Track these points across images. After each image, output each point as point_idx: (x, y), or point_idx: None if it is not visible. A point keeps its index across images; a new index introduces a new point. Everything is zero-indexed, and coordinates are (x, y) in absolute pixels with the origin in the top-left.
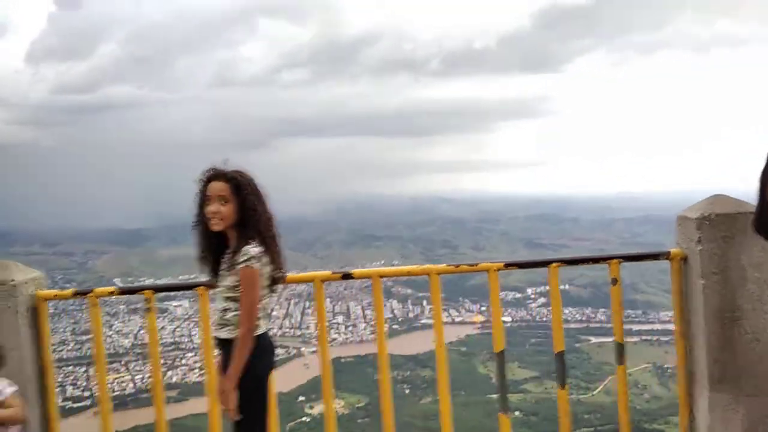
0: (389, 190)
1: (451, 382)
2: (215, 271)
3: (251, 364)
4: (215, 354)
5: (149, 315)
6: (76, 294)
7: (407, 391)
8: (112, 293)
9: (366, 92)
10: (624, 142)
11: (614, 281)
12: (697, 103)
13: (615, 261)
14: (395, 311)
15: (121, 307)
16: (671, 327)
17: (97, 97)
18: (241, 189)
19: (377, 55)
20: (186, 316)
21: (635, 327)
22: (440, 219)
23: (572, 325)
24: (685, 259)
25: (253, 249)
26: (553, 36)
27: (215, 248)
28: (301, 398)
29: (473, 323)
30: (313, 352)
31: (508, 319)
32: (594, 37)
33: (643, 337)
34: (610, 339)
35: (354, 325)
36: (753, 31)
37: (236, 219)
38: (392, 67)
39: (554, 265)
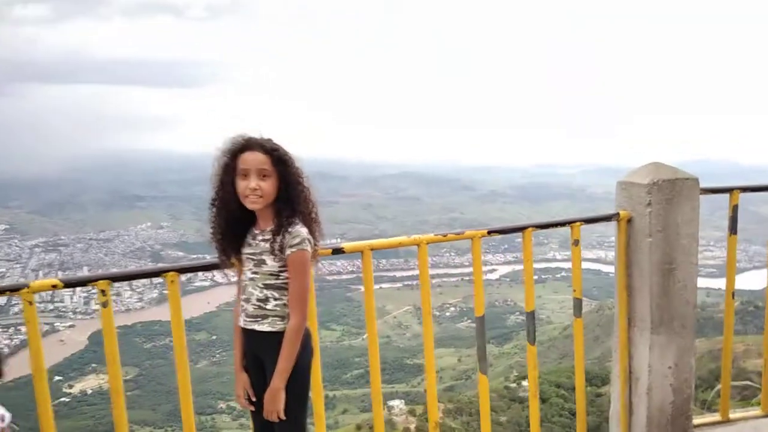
0: (151, 146)
1: (222, 342)
2: (228, 255)
3: (298, 357)
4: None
5: (105, 309)
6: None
7: (187, 369)
8: (55, 287)
9: (118, 35)
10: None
11: (576, 242)
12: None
13: (577, 224)
14: None
15: None
16: (429, 271)
17: None
18: (285, 162)
19: None
20: None
21: (398, 273)
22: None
23: (345, 276)
24: (629, 220)
25: (303, 230)
26: None
27: (237, 229)
28: (57, 378)
29: None
30: (71, 326)
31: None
32: None
33: (405, 283)
34: (377, 286)
35: (118, 294)
36: None
37: (275, 196)
38: (149, 9)
39: (529, 229)
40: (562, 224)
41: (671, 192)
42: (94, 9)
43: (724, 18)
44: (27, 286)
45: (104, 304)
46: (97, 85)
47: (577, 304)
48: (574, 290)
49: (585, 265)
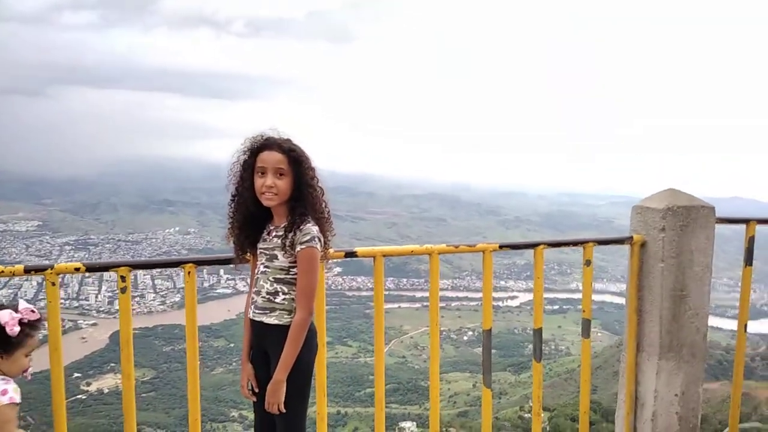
0: (184, 153)
1: (240, 351)
2: (244, 250)
3: (301, 352)
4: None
5: (123, 295)
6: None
7: (197, 362)
8: (78, 269)
9: (162, 45)
10: (407, 123)
11: (588, 262)
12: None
13: (590, 244)
14: None
15: None
16: (449, 294)
17: None
18: (300, 162)
19: (176, 7)
20: None
21: (418, 294)
22: None
23: (365, 293)
24: (643, 244)
25: (314, 228)
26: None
27: (254, 225)
28: (76, 375)
29: None
30: (94, 325)
31: None
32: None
33: (425, 303)
34: (396, 305)
35: (142, 296)
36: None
37: (290, 194)
38: (192, 22)
39: (541, 247)
40: (575, 243)
41: (686, 219)
42: (140, 18)
43: (725, 21)
44: (51, 267)
45: (123, 290)
46: (136, 91)
47: (586, 325)
48: (584, 311)
49: (608, 298)
